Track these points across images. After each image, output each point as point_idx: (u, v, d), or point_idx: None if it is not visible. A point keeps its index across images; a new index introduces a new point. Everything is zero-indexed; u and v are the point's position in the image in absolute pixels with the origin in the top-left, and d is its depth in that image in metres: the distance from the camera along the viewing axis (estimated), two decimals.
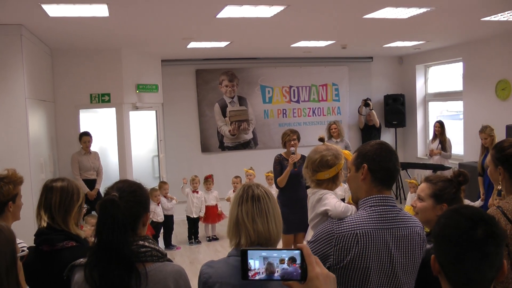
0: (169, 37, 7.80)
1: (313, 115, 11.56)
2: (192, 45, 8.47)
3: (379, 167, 2.44)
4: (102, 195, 3.05)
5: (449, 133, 9.49)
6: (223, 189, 9.58)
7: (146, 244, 2.22)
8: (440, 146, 9.35)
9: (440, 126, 9.37)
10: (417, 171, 10.69)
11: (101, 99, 8.58)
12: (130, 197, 2.22)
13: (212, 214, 9.08)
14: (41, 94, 7.37)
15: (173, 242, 8.80)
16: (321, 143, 3.05)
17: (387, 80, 12.04)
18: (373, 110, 10.97)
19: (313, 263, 1.39)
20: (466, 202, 4.84)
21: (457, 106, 10.70)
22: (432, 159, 9.53)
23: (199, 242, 8.97)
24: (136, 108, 9.10)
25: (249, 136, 11.12)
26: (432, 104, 11.53)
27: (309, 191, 2.89)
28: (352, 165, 2.55)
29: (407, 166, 10.50)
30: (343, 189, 8.70)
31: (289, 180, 6.30)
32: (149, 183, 9.23)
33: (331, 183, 2.84)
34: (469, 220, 1.55)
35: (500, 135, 7.70)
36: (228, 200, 9.06)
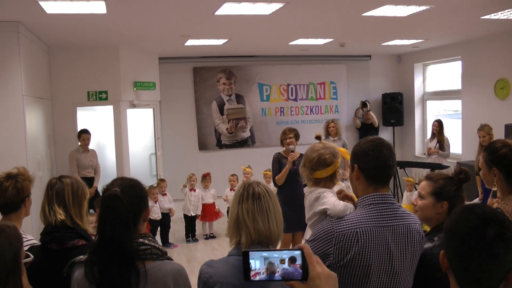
0: (167, 35, 7.77)
1: (310, 113, 11.55)
2: (190, 42, 8.45)
3: (369, 166, 2.44)
4: (100, 193, 3.02)
5: (447, 132, 9.48)
6: (221, 187, 9.57)
7: (146, 242, 2.20)
8: (438, 145, 9.35)
9: (438, 125, 9.37)
10: (415, 169, 10.69)
11: (98, 97, 8.55)
12: (132, 192, 2.22)
13: (209, 212, 9.08)
14: (38, 91, 7.34)
15: (170, 240, 8.78)
16: (318, 141, 3.03)
17: (385, 79, 12.03)
18: (370, 111, 10.93)
19: (314, 263, 1.39)
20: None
21: (455, 105, 10.69)
22: (430, 158, 9.53)
23: (196, 240, 8.95)
24: (133, 105, 9.08)
25: (247, 134, 11.10)
26: (430, 103, 11.52)
27: (305, 189, 2.87)
28: (349, 166, 2.57)
29: (405, 164, 10.50)
30: (341, 187, 8.70)
31: (287, 179, 6.29)
32: (146, 181, 9.21)
33: (328, 182, 2.83)
34: (481, 219, 1.53)
35: (499, 134, 7.70)
36: (225, 199, 9.06)
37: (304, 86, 11.46)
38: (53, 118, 8.38)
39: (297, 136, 6.59)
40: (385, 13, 6.48)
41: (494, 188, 3.00)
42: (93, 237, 2.45)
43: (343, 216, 2.42)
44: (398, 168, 10.60)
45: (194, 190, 8.96)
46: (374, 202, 2.43)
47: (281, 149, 6.73)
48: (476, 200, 7.39)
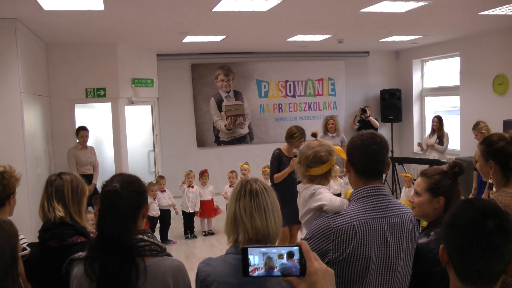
0: (165, 31, 7.75)
1: (309, 110, 11.55)
2: (188, 39, 8.43)
3: (357, 160, 2.48)
4: (99, 190, 3.01)
5: (446, 128, 9.48)
6: (219, 184, 9.59)
7: (145, 238, 2.21)
8: (437, 140, 9.37)
9: (438, 121, 9.38)
10: (413, 165, 10.71)
11: (96, 94, 8.54)
12: (131, 188, 2.22)
13: (207, 209, 9.08)
14: (36, 88, 7.33)
15: (169, 237, 8.78)
16: (314, 138, 3.04)
17: (383, 75, 12.03)
18: (370, 117, 10.87)
19: (312, 259, 1.40)
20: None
21: (453, 101, 10.69)
22: (430, 154, 9.54)
23: (195, 237, 8.96)
24: (131, 102, 9.07)
25: (245, 130, 11.09)
26: (428, 99, 11.52)
27: (299, 186, 2.89)
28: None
29: (403, 160, 10.51)
30: (339, 183, 8.72)
31: (284, 178, 6.33)
32: (145, 177, 9.19)
33: (323, 179, 2.85)
34: (480, 212, 1.54)
35: (497, 130, 7.70)
36: (224, 196, 9.06)
37: (303, 82, 11.45)
38: (51, 115, 8.36)
39: (304, 137, 6.54)
40: (383, 9, 6.47)
41: (490, 181, 3.04)
42: (91, 235, 2.44)
43: (340, 211, 2.44)
44: (396, 164, 10.62)
45: (192, 187, 8.96)
46: (367, 194, 2.46)
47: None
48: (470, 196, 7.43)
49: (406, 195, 8.54)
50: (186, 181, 8.95)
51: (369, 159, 2.46)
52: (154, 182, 8.67)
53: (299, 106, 11.47)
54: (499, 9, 6.75)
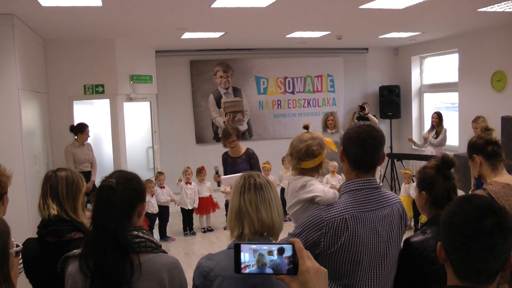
0: (163, 28, 7.73)
1: (308, 106, 11.54)
2: (186, 35, 8.42)
3: (352, 152, 2.50)
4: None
5: (445, 124, 9.48)
6: None
7: (140, 234, 2.20)
8: (435, 136, 9.37)
9: (437, 117, 9.37)
10: (412, 162, 10.71)
11: (95, 90, 8.52)
12: (127, 184, 2.22)
13: (205, 205, 9.08)
14: (34, 85, 7.31)
15: (168, 234, 8.78)
16: (305, 130, 3.03)
17: (382, 71, 12.02)
18: (369, 114, 10.84)
19: (305, 257, 1.41)
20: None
21: (452, 97, 10.69)
22: (428, 151, 9.54)
23: (194, 234, 8.96)
24: (130, 99, 9.05)
25: (244, 127, 11.09)
26: (427, 95, 11.52)
27: (289, 177, 2.91)
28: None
29: (402, 157, 10.50)
30: (337, 179, 8.73)
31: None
32: (144, 174, 9.19)
33: (314, 172, 2.86)
34: (478, 209, 1.54)
35: (495, 127, 7.65)
36: (223, 192, 9.06)
37: (301, 79, 11.44)
38: (49, 112, 8.34)
39: (238, 135, 6.68)
40: (382, 5, 6.46)
41: (476, 175, 3.37)
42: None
43: (333, 203, 2.46)
44: (395, 160, 10.62)
45: (190, 184, 8.96)
46: (358, 187, 2.48)
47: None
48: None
49: (405, 192, 8.55)
50: (183, 177, 8.94)
51: (364, 153, 2.47)
52: (152, 179, 8.66)
53: (298, 103, 11.46)
54: (498, 6, 6.74)
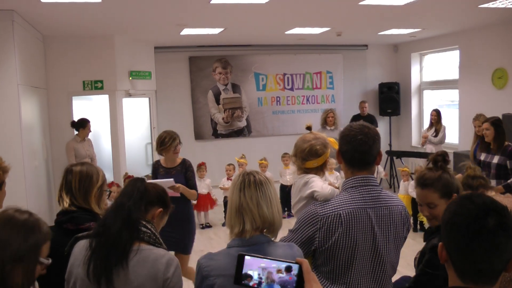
0: (163, 24, 7.72)
1: (307, 103, 11.53)
2: (186, 31, 8.40)
3: (344, 150, 2.54)
4: None
5: (444, 122, 9.47)
6: (216, 177, 9.58)
7: (148, 226, 2.30)
8: (434, 134, 9.36)
9: (436, 114, 9.36)
10: (411, 159, 10.71)
11: (94, 86, 8.51)
12: (154, 189, 2.46)
13: (204, 202, 9.07)
14: (33, 80, 7.30)
15: None
16: (308, 131, 3.05)
17: (382, 68, 12.01)
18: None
19: (311, 281, 1.45)
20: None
21: (451, 95, 10.69)
22: (427, 148, 9.54)
23: None
24: (129, 95, 9.04)
25: (243, 123, 11.08)
26: (427, 92, 11.51)
27: (295, 177, 2.96)
28: None
29: (401, 154, 10.51)
30: (335, 176, 8.73)
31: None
32: (142, 170, 9.20)
33: (319, 171, 2.90)
34: (481, 208, 1.52)
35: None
36: (222, 188, 9.07)
37: (301, 75, 11.43)
38: (49, 107, 8.33)
39: (177, 140, 5.96)
40: (382, 1, 6.45)
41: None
42: None
43: (330, 198, 2.50)
44: (394, 158, 10.62)
45: None
46: (356, 184, 2.50)
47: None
48: None
49: (404, 189, 8.55)
50: None
51: (354, 150, 2.50)
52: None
53: (297, 99, 11.45)
54: (499, 2, 6.72)
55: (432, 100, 11.40)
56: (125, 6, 6.33)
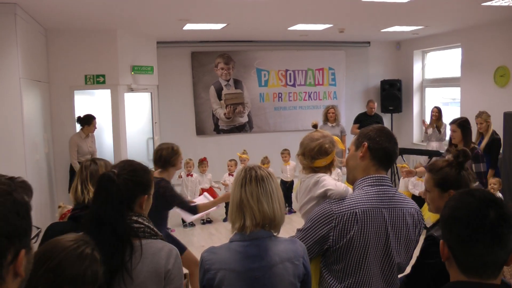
0: (165, 18, 7.71)
1: (309, 99, 11.52)
2: (188, 27, 8.39)
3: (379, 146, 2.52)
4: None
5: (445, 120, 9.46)
6: (218, 172, 9.58)
7: (140, 220, 2.23)
8: (436, 131, 9.37)
9: (438, 111, 9.36)
10: (412, 157, 10.70)
11: (96, 80, 8.51)
12: (128, 176, 2.24)
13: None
14: (35, 74, 7.29)
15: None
16: (314, 129, 3.03)
17: (384, 65, 12.00)
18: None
19: None
20: None
21: (453, 93, 10.67)
22: (429, 146, 9.54)
23: (193, 225, 8.96)
24: (131, 89, 9.04)
25: (245, 119, 11.08)
26: (429, 90, 11.50)
27: (302, 176, 2.89)
28: (353, 144, 2.63)
29: (403, 151, 10.47)
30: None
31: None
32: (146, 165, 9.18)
33: (327, 170, 2.85)
34: (481, 201, 1.54)
35: (497, 122, 7.68)
36: (223, 183, 9.07)
37: (303, 72, 11.42)
38: (51, 101, 8.33)
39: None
40: None
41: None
42: None
43: (345, 196, 2.47)
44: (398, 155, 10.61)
45: (191, 176, 8.95)
46: (372, 183, 2.49)
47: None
48: None
49: (405, 186, 8.55)
50: (184, 169, 8.94)
51: (390, 149, 2.54)
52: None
53: (299, 96, 11.44)
54: (502, 0, 6.71)
55: (434, 98, 11.38)
56: (127, 0, 6.32)
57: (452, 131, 5.96)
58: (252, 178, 2.30)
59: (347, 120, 11.41)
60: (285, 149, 9.48)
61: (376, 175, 2.50)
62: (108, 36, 8.53)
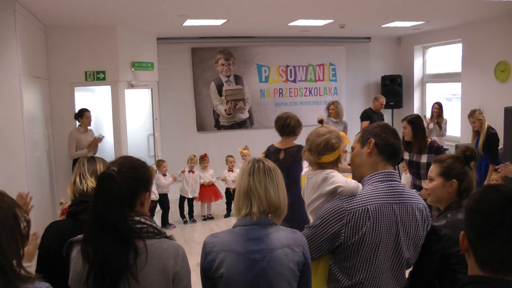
0: (165, 15, 7.69)
1: (309, 95, 11.51)
2: (188, 23, 8.38)
3: (386, 142, 2.54)
4: None
5: (446, 115, 9.45)
6: (218, 169, 9.58)
7: (142, 220, 2.17)
8: (437, 126, 9.35)
9: (438, 107, 9.34)
10: None
11: (96, 77, 8.49)
12: (129, 173, 2.18)
13: (207, 193, 9.06)
14: (35, 71, 7.28)
15: (169, 221, 8.79)
16: (320, 125, 3.00)
17: (384, 61, 11.98)
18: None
19: None
20: None
21: (454, 88, 10.65)
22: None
23: (194, 221, 8.96)
24: (131, 86, 9.03)
25: (245, 115, 11.07)
26: (429, 85, 11.48)
27: (308, 172, 2.84)
28: (358, 142, 2.63)
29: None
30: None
31: None
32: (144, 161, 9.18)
33: (333, 166, 2.80)
34: (505, 197, 1.51)
35: (498, 117, 7.68)
36: (223, 180, 9.06)
37: (303, 67, 11.41)
38: (51, 98, 8.32)
39: None
40: None
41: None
42: None
43: (356, 192, 2.46)
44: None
45: (193, 172, 8.94)
46: (382, 179, 2.50)
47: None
48: None
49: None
50: (187, 165, 8.94)
51: (397, 145, 2.57)
52: (153, 166, 8.64)
53: (300, 91, 11.43)
54: None
55: (434, 93, 11.36)
56: None
57: (403, 127, 5.93)
58: (260, 168, 2.38)
59: (347, 115, 11.39)
60: None
61: (385, 171, 2.52)
62: (108, 32, 8.51)
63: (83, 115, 8.06)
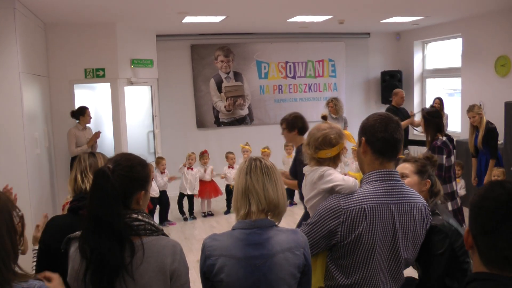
0: (164, 12, 7.68)
1: (309, 91, 11.51)
2: (188, 19, 8.37)
3: (376, 138, 2.47)
4: None
5: (446, 110, 9.44)
6: (219, 165, 9.58)
7: (140, 217, 2.16)
8: None
9: (440, 102, 9.31)
10: (413, 147, 10.67)
11: (95, 74, 8.49)
12: (124, 172, 2.17)
13: (207, 189, 9.07)
14: (35, 68, 7.28)
15: (168, 218, 8.79)
16: (324, 121, 2.99)
17: (384, 56, 11.97)
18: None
19: None
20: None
21: (454, 83, 10.65)
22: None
23: (194, 218, 8.97)
24: (131, 83, 9.02)
25: (245, 112, 11.07)
26: (429, 80, 11.47)
27: (306, 168, 2.80)
28: (357, 140, 2.60)
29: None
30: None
31: None
32: (144, 158, 9.17)
33: (332, 163, 2.75)
34: (510, 194, 1.49)
35: (498, 112, 7.67)
36: (223, 177, 9.06)
37: (303, 63, 11.40)
38: (50, 95, 8.31)
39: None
40: None
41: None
42: None
43: (354, 190, 2.44)
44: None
45: (192, 169, 8.94)
46: (380, 178, 2.46)
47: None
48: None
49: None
50: (186, 162, 8.94)
51: (388, 138, 2.46)
52: (153, 163, 8.64)
53: (299, 88, 11.42)
54: None
55: (434, 88, 11.35)
56: None
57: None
58: (257, 167, 2.34)
59: (347, 111, 11.39)
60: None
61: (383, 170, 2.47)
62: (107, 29, 8.50)
63: (84, 112, 8.06)
